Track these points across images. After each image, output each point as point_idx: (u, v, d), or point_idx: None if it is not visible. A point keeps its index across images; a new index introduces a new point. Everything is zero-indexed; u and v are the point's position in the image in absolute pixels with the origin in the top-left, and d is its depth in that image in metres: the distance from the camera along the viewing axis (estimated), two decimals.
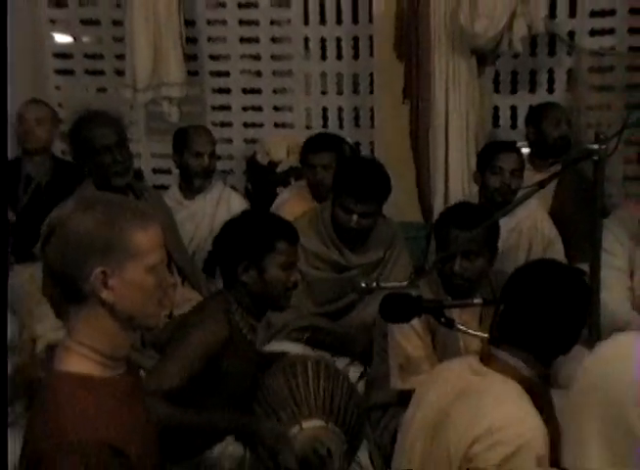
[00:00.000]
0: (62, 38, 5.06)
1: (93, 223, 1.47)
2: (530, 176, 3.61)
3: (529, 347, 1.90)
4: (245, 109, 4.93)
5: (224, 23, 4.84)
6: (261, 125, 4.91)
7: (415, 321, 2.55)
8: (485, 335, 2.31)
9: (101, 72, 5.01)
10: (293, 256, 2.45)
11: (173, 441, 2.15)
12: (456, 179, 4.10)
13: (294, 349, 2.90)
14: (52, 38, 5.03)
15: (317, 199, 3.72)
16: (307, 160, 3.77)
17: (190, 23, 4.73)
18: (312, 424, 2.32)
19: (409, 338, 2.74)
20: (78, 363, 1.50)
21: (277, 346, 2.99)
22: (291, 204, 3.78)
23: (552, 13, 4.24)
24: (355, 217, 3.15)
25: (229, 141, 4.93)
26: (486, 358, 1.95)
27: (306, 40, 4.74)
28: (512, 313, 1.95)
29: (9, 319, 2.57)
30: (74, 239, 1.46)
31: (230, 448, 2.40)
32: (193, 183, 3.83)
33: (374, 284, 2.56)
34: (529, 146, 3.94)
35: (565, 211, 3.60)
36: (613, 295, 2.87)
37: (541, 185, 2.31)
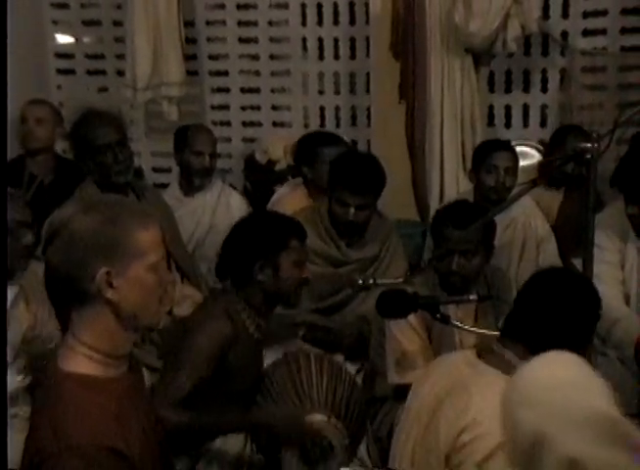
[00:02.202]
0: (63, 38, 5.10)
1: (96, 224, 1.47)
2: (539, 193, 3.67)
3: (530, 342, 1.93)
4: (243, 108, 4.98)
5: (223, 23, 4.88)
6: (260, 124, 4.96)
7: (411, 317, 2.59)
8: (480, 331, 2.38)
9: (102, 72, 5.05)
10: (304, 252, 2.52)
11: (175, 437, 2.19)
12: (451, 177, 4.15)
13: (295, 344, 2.95)
14: (54, 39, 5.07)
15: (314, 196, 3.74)
16: (317, 155, 3.72)
17: (189, 23, 4.78)
18: (315, 418, 2.35)
19: (405, 333, 2.76)
20: (81, 364, 1.51)
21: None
22: (287, 200, 3.79)
23: (545, 13, 4.27)
24: (352, 210, 3.16)
25: (228, 140, 4.96)
26: (484, 352, 1.99)
27: (304, 41, 4.78)
28: (519, 311, 1.98)
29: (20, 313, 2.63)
30: (78, 240, 1.46)
31: (230, 442, 2.43)
32: (193, 181, 3.85)
33: (370, 281, 2.61)
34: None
35: (569, 220, 3.65)
36: (607, 288, 2.91)
37: (534, 183, 2.37)
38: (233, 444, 2.44)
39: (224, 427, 2.38)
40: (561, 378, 1.39)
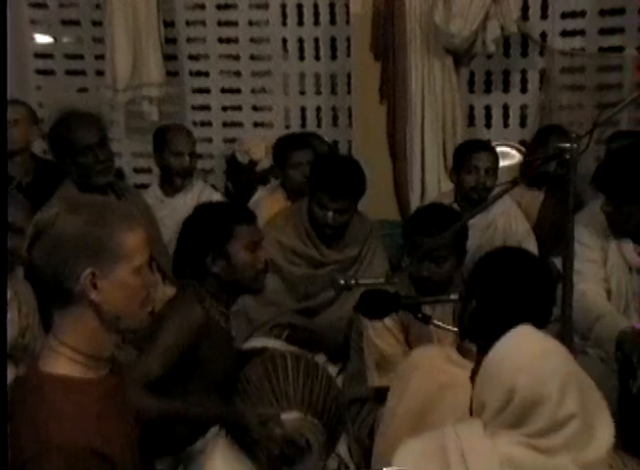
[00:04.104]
0: (42, 39, 5.08)
1: (83, 225, 1.47)
2: (520, 192, 3.70)
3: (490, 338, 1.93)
4: (224, 108, 4.98)
5: (203, 23, 4.89)
6: (241, 125, 4.96)
7: (388, 320, 2.60)
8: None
9: (81, 73, 5.04)
10: (254, 235, 2.47)
11: (156, 435, 2.18)
12: (433, 177, 4.16)
13: (273, 344, 2.94)
14: (32, 39, 5.05)
15: (292, 198, 3.75)
16: (290, 158, 3.78)
17: (169, 23, 4.78)
18: (291, 416, 2.34)
19: (382, 336, 2.77)
20: (62, 365, 1.50)
21: (256, 342, 3.03)
22: (266, 203, 3.80)
23: (524, 14, 4.31)
24: (331, 214, 3.17)
25: (209, 140, 4.97)
26: (464, 352, 2.01)
27: (284, 41, 4.80)
28: (481, 310, 1.95)
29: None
30: (64, 240, 1.46)
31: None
32: (173, 182, 3.85)
33: (352, 281, 2.61)
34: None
35: (550, 220, 3.67)
36: (589, 286, 2.93)
37: (514, 183, 2.38)
38: None
39: (191, 414, 2.33)
40: (545, 348, 1.67)
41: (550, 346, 1.67)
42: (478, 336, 1.96)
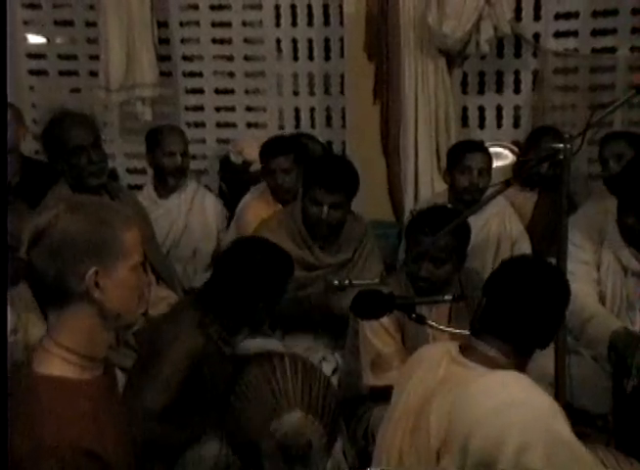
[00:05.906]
0: (35, 39, 5.06)
1: (86, 224, 1.49)
2: (513, 193, 3.70)
3: (509, 338, 1.94)
4: (218, 109, 4.98)
5: (197, 24, 4.88)
6: (234, 125, 4.96)
7: (384, 319, 2.59)
8: (456, 331, 2.38)
9: (75, 73, 5.02)
10: None
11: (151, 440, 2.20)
12: (426, 178, 4.17)
13: (269, 344, 2.95)
14: (25, 39, 5.03)
15: (279, 202, 3.75)
16: (267, 164, 3.79)
17: (163, 24, 4.77)
18: (292, 417, 2.36)
19: (379, 335, 2.77)
20: (57, 366, 1.51)
21: (253, 342, 3.03)
22: (254, 207, 3.80)
23: (517, 15, 4.31)
24: (326, 209, 3.14)
25: (203, 141, 4.97)
26: (466, 348, 1.99)
27: (278, 41, 4.79)
28: (494, 306, 1.98)
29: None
30: (68, 240, 1.47)
31: (205, 448, 2.42)
32: (167, 182, 3.85)
33: (346, 281, 2.62)
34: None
35: (543, 221, 3.68)
36: (581, 286, 2.94)
37: (507, 183, 2.38)
38: (209, 447, 2.43)
39: (194, 437, 2.40)
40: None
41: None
42: (485, 333, 1.97)
